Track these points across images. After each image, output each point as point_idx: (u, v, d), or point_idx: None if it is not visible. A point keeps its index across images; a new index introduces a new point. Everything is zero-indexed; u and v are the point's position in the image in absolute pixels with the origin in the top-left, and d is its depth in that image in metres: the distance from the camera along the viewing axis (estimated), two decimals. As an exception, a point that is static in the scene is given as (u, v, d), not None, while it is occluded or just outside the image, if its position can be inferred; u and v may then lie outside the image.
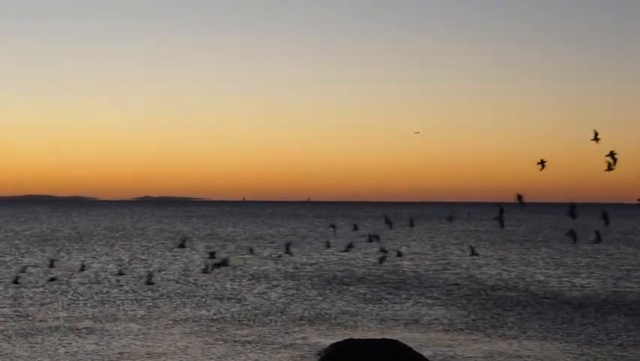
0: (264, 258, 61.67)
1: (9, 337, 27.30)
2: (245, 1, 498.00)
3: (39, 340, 26.87)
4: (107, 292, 40.09)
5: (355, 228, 60.88)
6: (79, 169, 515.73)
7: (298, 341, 26.90)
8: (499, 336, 28.30)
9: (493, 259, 62.94)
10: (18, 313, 32.47)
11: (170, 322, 30.83)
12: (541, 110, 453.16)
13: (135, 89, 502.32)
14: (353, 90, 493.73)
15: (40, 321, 30.70)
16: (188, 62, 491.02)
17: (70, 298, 37.36)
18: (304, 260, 59.74)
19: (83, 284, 43.04)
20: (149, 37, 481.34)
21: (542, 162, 18.18)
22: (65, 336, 27.58)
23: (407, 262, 57.65)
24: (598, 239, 20.43)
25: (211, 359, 24.22)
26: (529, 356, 24.77)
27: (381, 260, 49.21)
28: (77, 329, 28.98)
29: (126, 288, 41.61)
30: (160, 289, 41.19)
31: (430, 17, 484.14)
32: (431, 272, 51.58)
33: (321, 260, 59.68)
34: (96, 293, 39.39)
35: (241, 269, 51.98)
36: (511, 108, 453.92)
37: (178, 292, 39.85)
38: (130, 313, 33.12)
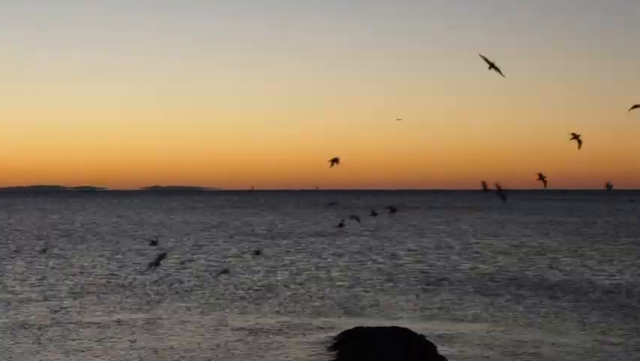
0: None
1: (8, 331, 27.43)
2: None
3: (41, 334, 27.00)
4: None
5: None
6: (88, 159, 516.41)
7: (310, 329, 26.83)
8: (500, 324, 28.27)
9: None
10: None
11: (181, 309, 30.91)
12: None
13: (145, 80, 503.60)
14: (357, 81, 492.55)
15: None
16: (197, 53, 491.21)
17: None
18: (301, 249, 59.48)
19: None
20: (157, 29, 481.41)
21: (576, 137, 15.88)
22: (66, 330, 27.64)
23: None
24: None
25: (220, 345, 24.28)
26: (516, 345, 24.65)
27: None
28: (85, 323, 29.09)
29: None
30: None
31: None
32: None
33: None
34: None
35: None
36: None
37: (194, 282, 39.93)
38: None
